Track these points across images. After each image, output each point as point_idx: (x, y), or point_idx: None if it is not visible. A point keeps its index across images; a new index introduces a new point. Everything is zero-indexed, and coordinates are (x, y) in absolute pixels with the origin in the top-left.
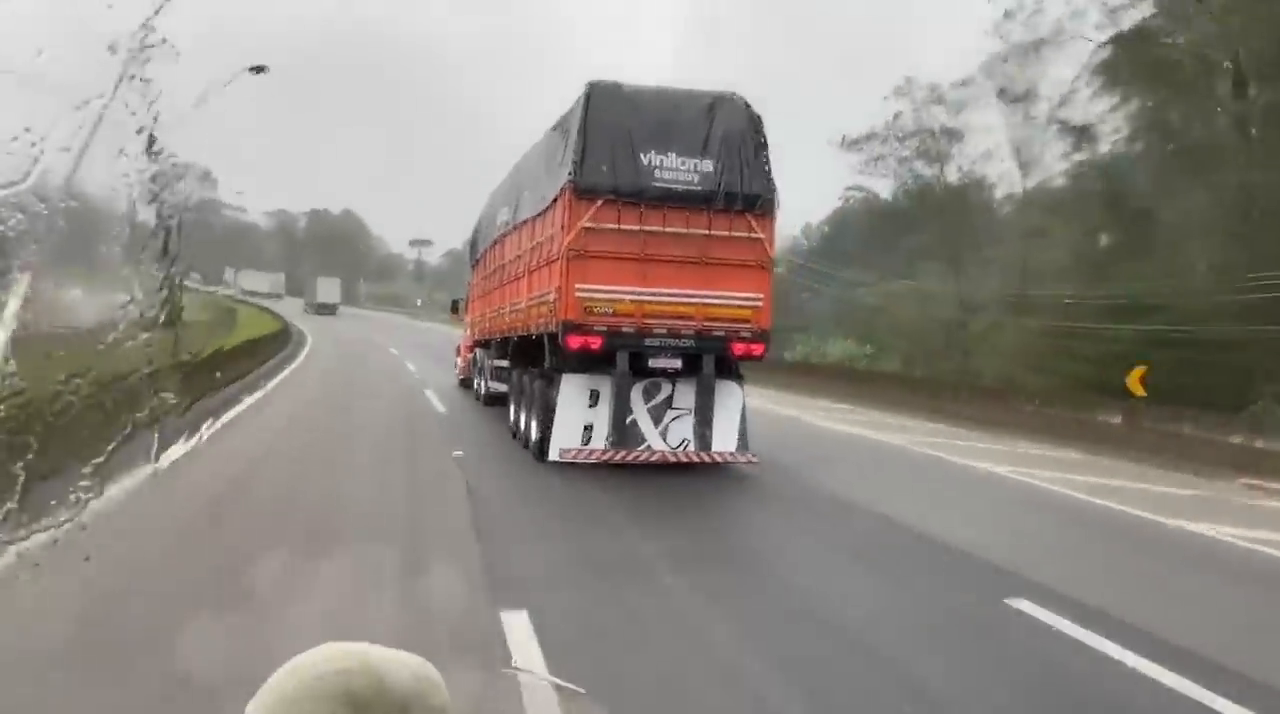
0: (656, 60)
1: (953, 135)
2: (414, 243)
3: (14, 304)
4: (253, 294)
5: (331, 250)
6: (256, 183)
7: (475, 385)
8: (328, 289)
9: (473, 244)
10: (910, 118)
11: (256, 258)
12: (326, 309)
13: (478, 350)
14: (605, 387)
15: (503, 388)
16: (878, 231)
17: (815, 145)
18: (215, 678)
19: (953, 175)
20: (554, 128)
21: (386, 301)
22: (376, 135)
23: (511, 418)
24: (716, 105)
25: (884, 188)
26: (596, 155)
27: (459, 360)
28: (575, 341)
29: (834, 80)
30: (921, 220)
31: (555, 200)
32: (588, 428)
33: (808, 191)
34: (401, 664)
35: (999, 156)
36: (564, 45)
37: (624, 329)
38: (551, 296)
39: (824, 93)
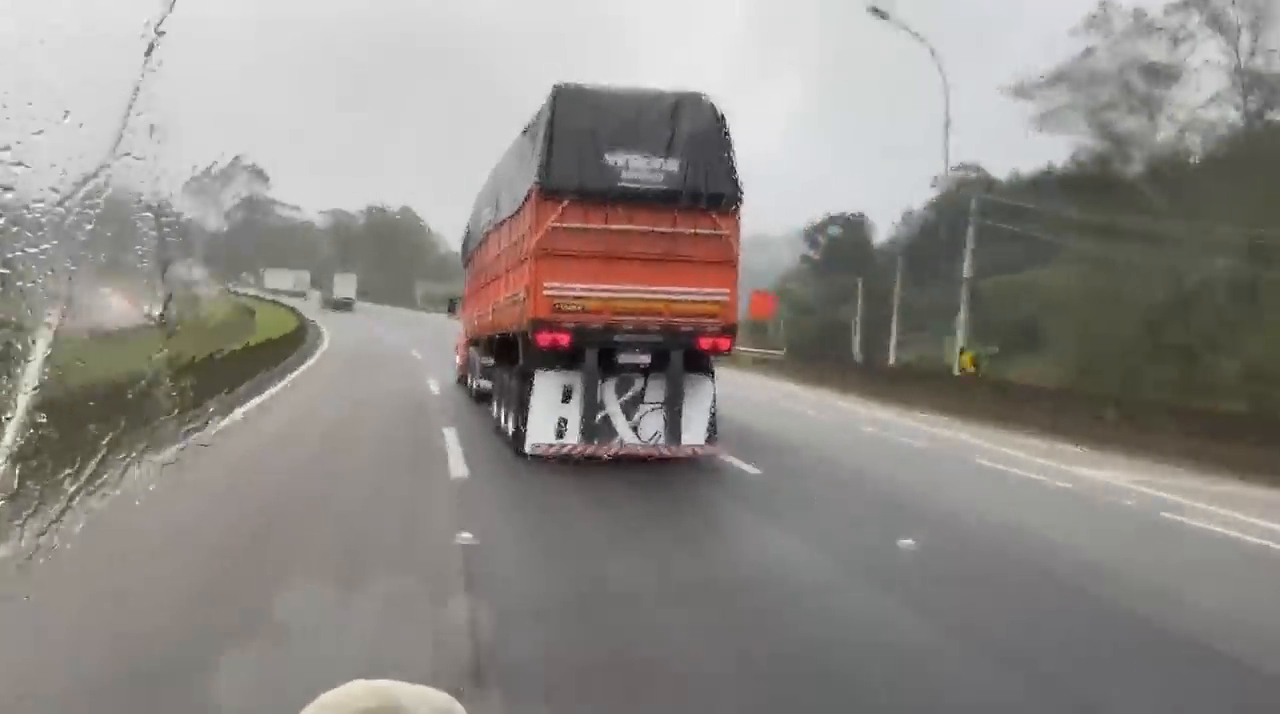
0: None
1: (1162, 76)
2: None
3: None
4: (276, 292)
5: (389, 248)
6: (315, 182)
7: (469, 383)
8: (344, 285)
9: (465, 244)
10: (1108, 54)
11: (309, 258)
12: (343, 305)
13: (471, 348)
14: (578, 383)
15: (489, 385)
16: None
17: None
18: (322, 494)
19: (1164, 128)
20: (525, 130)
21: (443, 302)
22: (438, 132)
23: (494, 413)
24: (682, 105)
25: (1060, 149)
26: (562, 157)
27: (457, 358)
28: (544, 338)
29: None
30: (1114, 188)
31: (525, 201)
32: (562, 422)
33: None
34: (426, 701)
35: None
36: (629, 42)
37: (592, 326)
38: (522, 295)
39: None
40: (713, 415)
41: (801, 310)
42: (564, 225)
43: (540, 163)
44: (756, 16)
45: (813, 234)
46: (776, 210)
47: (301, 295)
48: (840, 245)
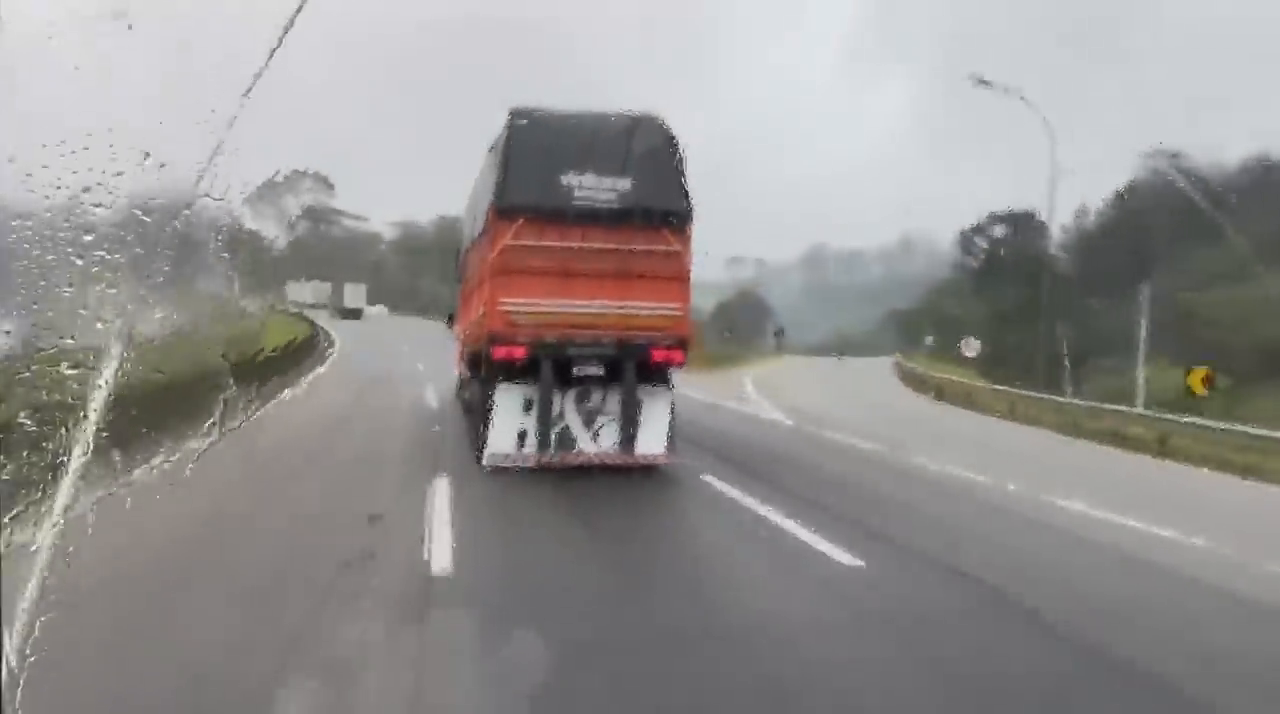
0: None
1: None
2: None
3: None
4: (297, 305)
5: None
6: (382, 191)
7: (459, 393)
8: (353, 295)
9: (457, 258)
10: None
11: (375, 270)
12: (351, 313)
13: (461, 362)
14: (537, 394)
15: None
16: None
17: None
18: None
19: None
20: (490, 149)
21: None
22: None
23: (470, 425)
24: (635, 126)
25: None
26: (518, 177)
27: (454, 372)
28: (500, 352)
29: None
30: None
31: (486, 219)
32: (522, 434)
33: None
34: None
35: None
36: (716, 44)
37: (548, 339)
38: (483, 310)
39: None
40: (671, 425)
41: (961, 327)
42: (520, 243)
43: (497, 183)
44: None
45: (969, 239)
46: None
47: (324, 307)
48: (1002, 250)
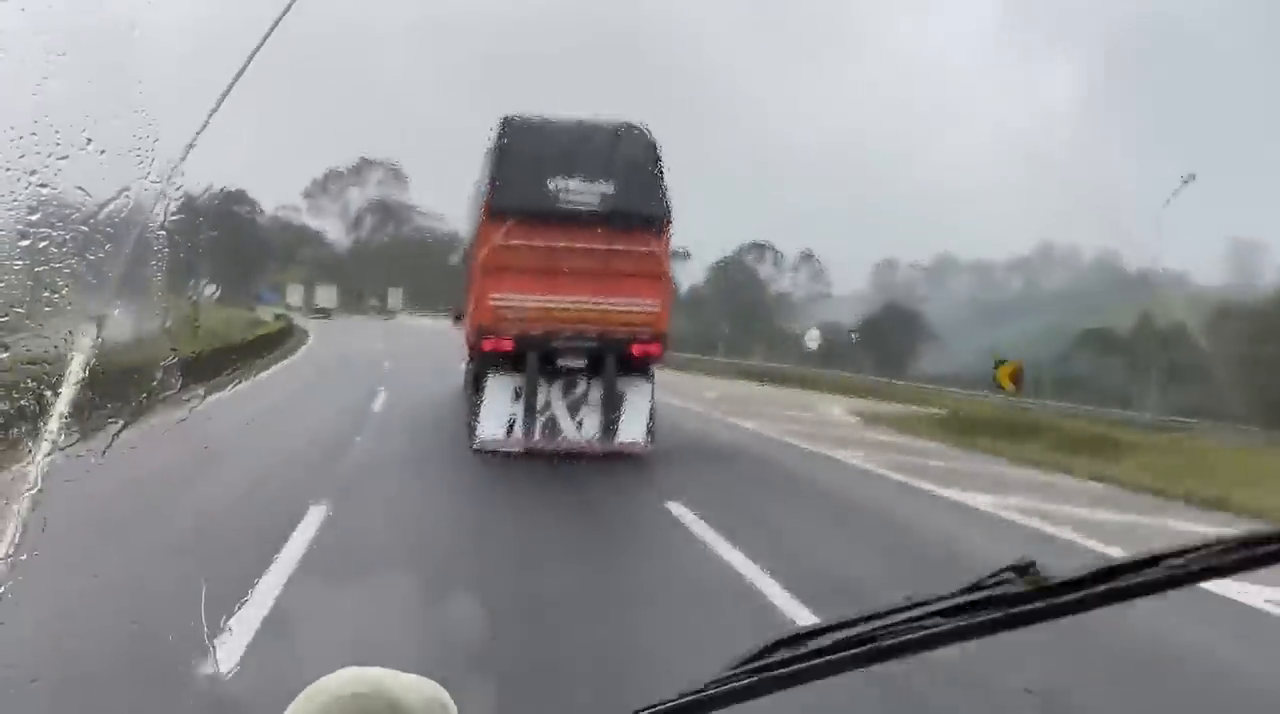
0: None
1: None
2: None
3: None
4: (292, 308)
5: None
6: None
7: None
8: (325, 296)
9: (463, 258)
10: None
11: (452, 275)
12: (322, 312)
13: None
14: (525, 385)
15: None
16: None
17: None
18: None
19: None
20: (486, 153)
21: None
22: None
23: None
24: (620, 134)
25: None
26: (508, 181)
27: (462, 366)
28: (489, 344)
29: None
30: None
31: (479, 220)
32: (510, 421)
33: None
34: (416, 690)
35: None
36: (827, 29)
37: (533, 332)
38: (474, 306)
39: None
40: (651, 416)
41: None
42: (509, 243)
43: (488, 186)
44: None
45: None
46: None
47: (326, 313)
48: None
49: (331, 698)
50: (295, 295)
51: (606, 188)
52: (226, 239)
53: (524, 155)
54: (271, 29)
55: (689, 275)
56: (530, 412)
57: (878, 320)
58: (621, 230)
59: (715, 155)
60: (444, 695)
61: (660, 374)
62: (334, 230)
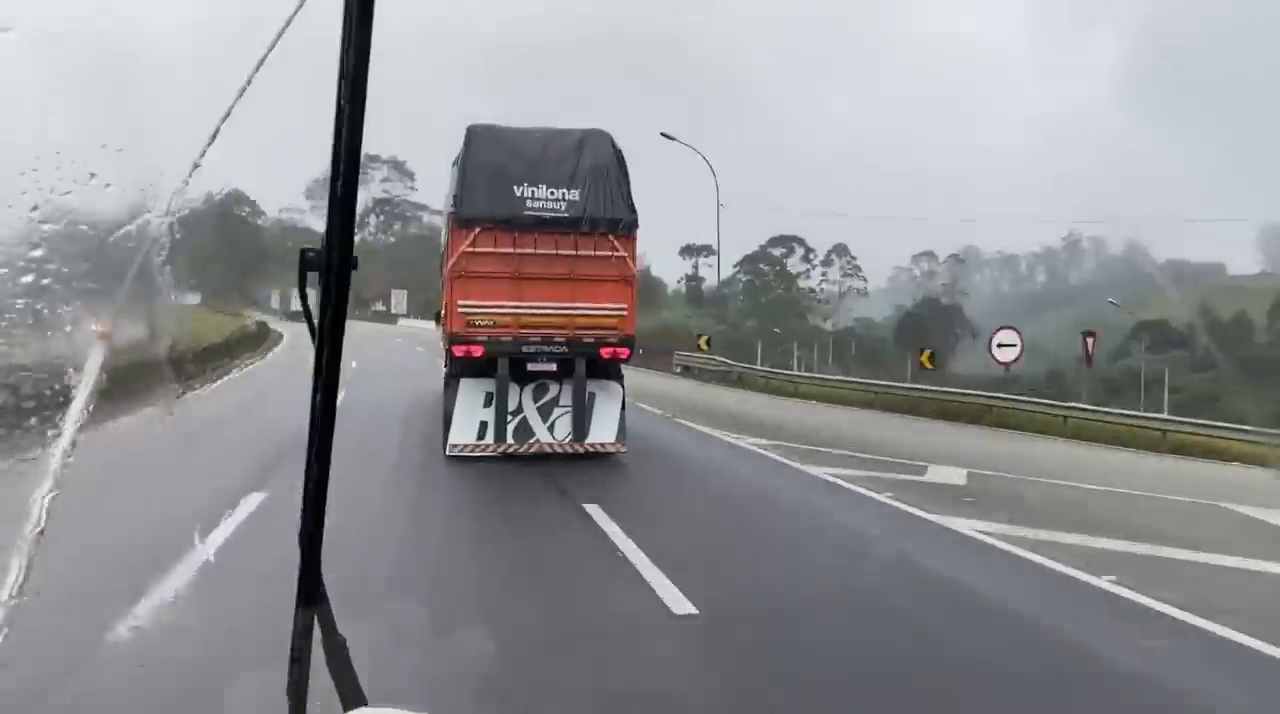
0: None
1: None
2: (688, 252)
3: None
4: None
5: None
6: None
7: None
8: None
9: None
10: None
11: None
12: (296, 315)
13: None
14: (496, 390)
15: None
16: None
17: None
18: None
19: None
20: (453, 163)
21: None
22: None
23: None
24: (585, 141)
25: None
26: (474, 189)
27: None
28: (459, 350)
29: None
30: None
31: (446, 228)
32: (483, 425)
33: None
34: None
35: None
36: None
37: (503, 338)
38: (445, 312)
39: None
40: (621, 416)
41: None
42: (476, 250)
43: (455, 194)
44: None
45: None
46: None
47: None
48: None
49: None
50: (290, 300)
51: (572, 194)
52: (225, 242)
53: (489, 163)
54: (282, 31)
55: (711, 272)
56: (501, 416)
57: (917, 315)
58: (588, 236)
59: (739, 148)
60: None
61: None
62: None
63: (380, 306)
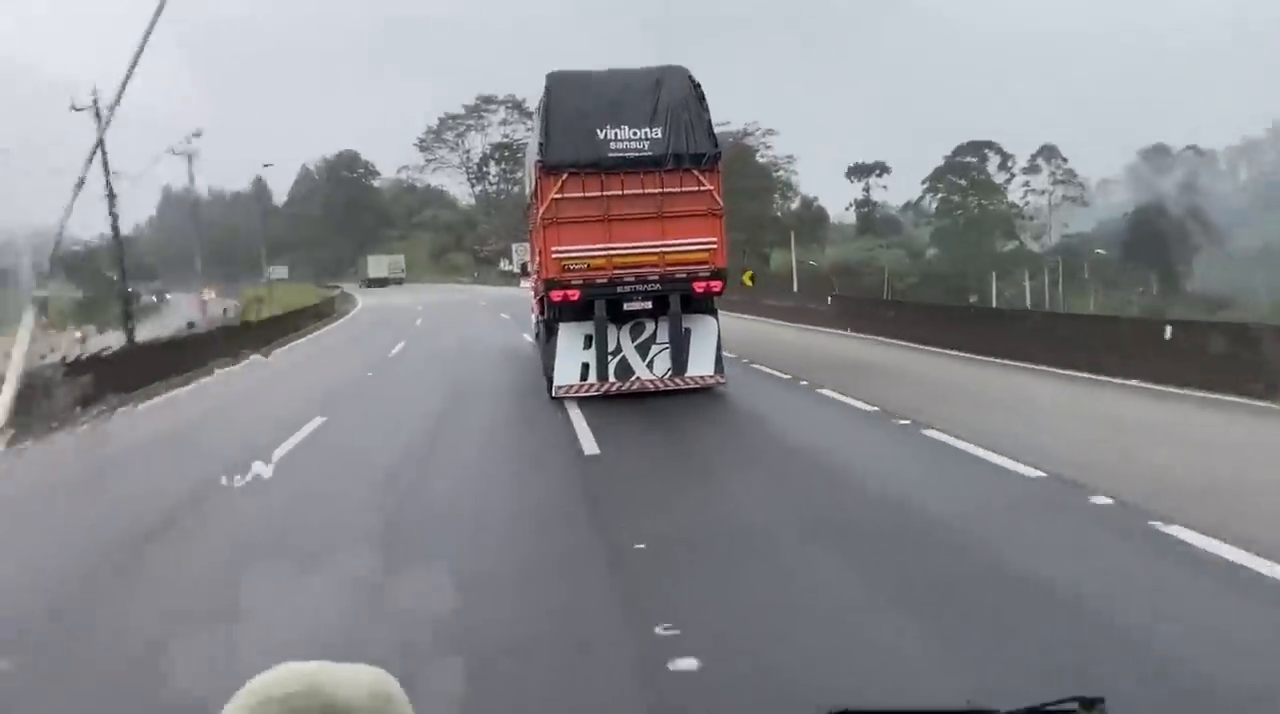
0: None
1: None
2: (856, 173)
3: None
4: (375, 282)
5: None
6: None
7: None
8: (376, 266)
9: (525, 215)
10: None
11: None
12: (378, 282)
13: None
14: (594, 331)
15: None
16: None
17: None
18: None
19: None
20: (535, 112)
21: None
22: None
23: (542, 363)
24: (662, 78)
25: None
26: (558, 136)
27: (532, 318)
28: (556, 295)
29: None
30: None
31: (534, 177)
32: (584, 366)
33: None
34: (355, 683)
35: None
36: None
37: (598, 281)
38: (539, 260)
39: None
40: (718, 348)
41: None
42: (565, 196)
43: (540, 143)
44: None
45: None
46: None
47: (399, 282)
48: None
49: (263, 699)
50: (379, 268)
51: (654, 132)
52: (334, 209)
53: (571, 109)
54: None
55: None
56: (602, 356)
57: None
58: (673, 172)
59: (916, 46)
60: (388, 683)
61: None
62: (455, 185)
63: (505, 266)
